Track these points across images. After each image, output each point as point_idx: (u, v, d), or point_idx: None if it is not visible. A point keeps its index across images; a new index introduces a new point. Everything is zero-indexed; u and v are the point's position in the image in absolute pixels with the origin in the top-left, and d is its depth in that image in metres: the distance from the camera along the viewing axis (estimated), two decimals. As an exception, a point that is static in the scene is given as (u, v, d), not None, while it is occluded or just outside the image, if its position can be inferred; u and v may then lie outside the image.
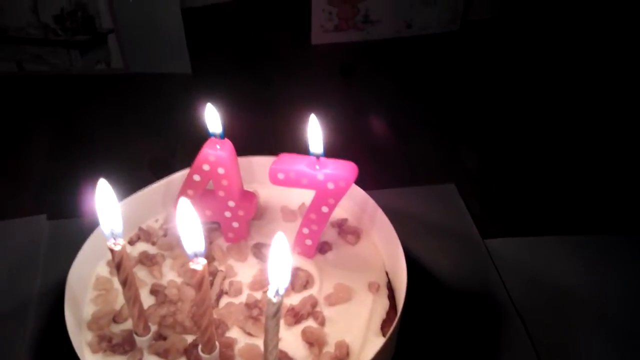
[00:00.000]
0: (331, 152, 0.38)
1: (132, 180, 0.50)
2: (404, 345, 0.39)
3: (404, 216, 0.51)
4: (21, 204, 0.56)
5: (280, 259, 0.28)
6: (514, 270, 0.49)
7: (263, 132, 0.59)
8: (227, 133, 0.39)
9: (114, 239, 0.31)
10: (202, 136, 0.39)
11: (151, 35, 0.68)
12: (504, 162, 0.58)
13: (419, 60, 0.72)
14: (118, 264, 0.31)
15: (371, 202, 0.40)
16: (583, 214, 0.54)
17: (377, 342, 0.34)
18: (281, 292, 0.28)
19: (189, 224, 0.29)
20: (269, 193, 0.43)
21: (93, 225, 0.41)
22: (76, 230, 0.48)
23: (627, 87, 0.66)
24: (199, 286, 0.29)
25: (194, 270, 0.29)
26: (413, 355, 0.40)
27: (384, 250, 0.39)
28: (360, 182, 0.41)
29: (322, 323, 0.35)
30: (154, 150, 0.61)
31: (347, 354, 0.33)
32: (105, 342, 0.34)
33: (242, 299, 0.36)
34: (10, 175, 0.59)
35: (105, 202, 0.31)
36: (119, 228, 0.30)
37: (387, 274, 0.39)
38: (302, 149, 0.37)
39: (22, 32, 0.67)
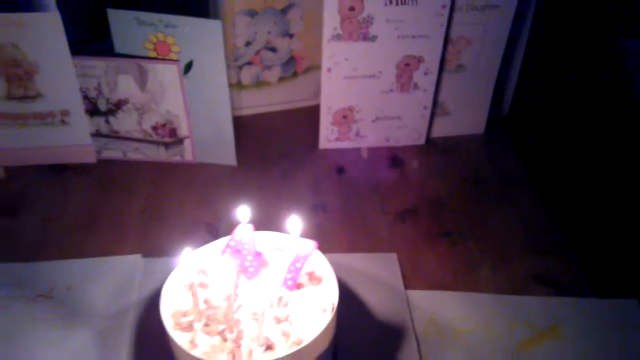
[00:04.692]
0: (317, 221, 0.70)
1: (193, 237, 0.81)
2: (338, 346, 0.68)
3: (355, 271, 0.79)
4: (122, 248, 0.82)
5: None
6: (421, 312, 0.74)
7: (279, 210, 0.85)
8: (254, 211, 0.69)
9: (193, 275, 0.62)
10: (238, 206, 0.67)
11: (211, 138, 0.94)
12: (432, 238, 0.87)
13: (391, 164, 1.00)
14: (191, 286, 0.62)
15: (326, 262, 0.70)
16: (481, 276, 0.80)
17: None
18: (260, 310, 0.58)
19: (223, 276, 0.60)
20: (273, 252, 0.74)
21: (174, 262, 0.67)
22: (162, 265, 0.77)
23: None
24: (227, 301, 0.60)
25: (227, 294, 0.59)
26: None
27: (332, 289, 0.69)
28: (329, 246, 0.71)
29: (291, 325, 0.65)
30: (208, 217, 0.88)
31: (301, 341, 0.63)
32: (179, 326, 0.64)
33: (252, 309, 0.66)
34: (116, 226, 0.86)
35: (190, 258, 0.62)
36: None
37: (333, 304, 0.68)
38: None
39: (128, 134, 0.94)
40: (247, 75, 1.05)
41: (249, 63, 1.04)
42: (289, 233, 0.68)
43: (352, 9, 0.88)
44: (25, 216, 0.88)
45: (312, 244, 0.66)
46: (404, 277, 0.79)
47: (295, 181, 0.95)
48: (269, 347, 0.61)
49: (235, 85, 1.05)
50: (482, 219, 0.89)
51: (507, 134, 1.06)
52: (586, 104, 1.07)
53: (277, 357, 0.59)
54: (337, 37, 0.90)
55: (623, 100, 1.03)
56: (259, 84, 1.07)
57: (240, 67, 1.04)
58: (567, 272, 0.80)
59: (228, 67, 0.91)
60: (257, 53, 1.03)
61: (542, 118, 1.07)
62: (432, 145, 1.03)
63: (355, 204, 0.91)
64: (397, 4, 0.88)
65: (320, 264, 0.70)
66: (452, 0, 0.89)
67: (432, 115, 1.02)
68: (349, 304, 0.75)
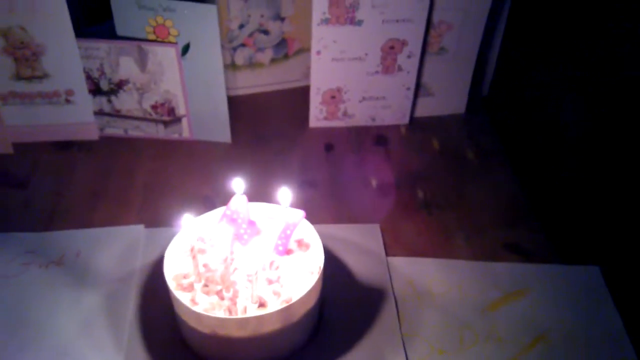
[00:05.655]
0: (307, 196, 0.78)
1: (191, 209, 0.87)
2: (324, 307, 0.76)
3: (341, 240, 0.85)
4: (125, 219, 0.88)
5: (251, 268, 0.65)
6: (400, 276, 0.81)
7: (271, 185, 0.87)
8: (247, 185, 0.76)
9: (193, 241, 0.69)
10: (233, 180, 0.74)
11: (207, 116, 1.00)
12: (412, 210, 0.93)
13: (377, 142, 1.06)
14: (191, 250, 0.69)
15: (313, 230, 0.76)
16: (456, 244, 0.87)
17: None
18: (252, 272, 0.65)
19: (220, 242, 0.67)
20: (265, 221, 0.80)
21: (174, 232, 0.73)
22: (162, 234, 0.82)
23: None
24: (223, 264, 0.67)
25: (223, 258, 0.66)
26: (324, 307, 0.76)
27: (319, 255, 0.76)
28: (317, 218, 0.78)
29: (282, 286, 0.72)
30: (205, 190, 0.93)
31: (290, 299, 0.70)
32: (181, 286, 0.71)
33: (246, 271, 0.73)
34: (119, 199, 0.92)
35: (190, 224, 0.69)
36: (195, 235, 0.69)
37: (320, 267, 0.75)
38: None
39: (129, 112, 1.00)
40: (240, 57, 1.11)
41: (243, 45, 1.09)
42: (279, 204, 0.75)
43: (339, -6, 0.94)
44: (35, 189, 0.94)
45: (300, 213, 0.73)
46: (385, 245, 0.86)
47: (287, 158, 1.01)
48: (261, 305, 0.68)
49: (230, 66, 1.11)
50: (459, 192, 0.95)
51: (487, 113, 1.13)
52: (560, 84, 1.14)
53: (268, 311, 0.66)
54: (326, 21, 0.96)
55: (594, 82, 1.10)
56: (252, 65, 1.12)
57: (235, 49, 1.09)
58: (534, 241, 0.88)
59: (222, 48, 0.96)
60: (250, 35, 1.09)
61: (519, 98, 1.13)
62: (415, 124, 1.10)
63: (341, 179, 0.98)
64: (382, -9, 0.94)
65: (308, 232, 0.77)
66: (433, -14, 0.95)
67: (416, 96, 1.08)
68: (335, 269, 0.82)
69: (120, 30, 0.94)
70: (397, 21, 0.97)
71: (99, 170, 0.98)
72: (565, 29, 1.13)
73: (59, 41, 0.93)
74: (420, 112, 1.11)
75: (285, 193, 0.73)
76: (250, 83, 1.15)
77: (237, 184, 0.74)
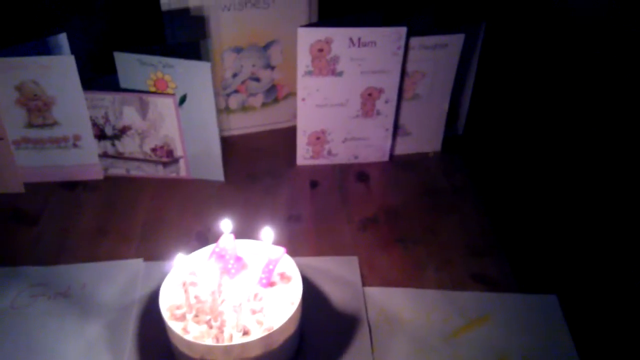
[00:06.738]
0: (292, 229, 0.87)
1: (186, 244, 0.97)
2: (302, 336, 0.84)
3: (321, 272, 0.93)
4: (126, 253, 0.96)
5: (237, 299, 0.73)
6: (374, 305, 0.88)
7: (261, 219, 0.97)
8: (239, 220, 0.85)
9: (185, 276, 0.78)
10: (223, 219, 0.83)
11: (202, 157, 1.08)
12: (388, 243, 1.01)
13: (358, 179, 1.15)
14: (183, 284, 0.78)
15: (293, 264, 0.85)
16: (426, 275, 0.95)
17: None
18: (237, 303, 0.73)
19: (209, 276, 0.76)
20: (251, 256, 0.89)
21: (170, 265, 0.80)
22: (159, 267, 0.91)
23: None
24: (212, 296, 0.76)
25: (212, 291, 0.75)
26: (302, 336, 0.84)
27: (298, 287, 0.84)
28: (301, 251, 0.87)
29: (264, 315, 0.80)
30: (199, 227, 1.01)
31: (272, 328, 0.78)
32: (174, 316, 0.80)
33: (232, 303, 0.82)
34: (121, 235, 0.99)
35: (182, 262, 0.78)
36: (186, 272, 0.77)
37: (300, 298, 0.84)
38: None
39: (131, 154, 1.08)
40: (234, 102, 1.21)
41: (236, 91, 1.19)
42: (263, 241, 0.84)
43: (320, 50, 1.04)
44: (45, 226, 1.03)
45: (281, 249, 0.82)
46: (362, 276, 0.94)
47: (275, 194, 1.10)
48: (245, 333, 0.77)
49: (224, 110, 1.21)
50: (432, 226, 1.04)
51: (461, 151, 1.22)
52: (528, 126, 1.23)
53: (251, 339, 0.75)
54: (309, 73, 1.06)
55: (562, 124, 1.19)
56: (244, 108, 1.22)
57: (229, 95, 1.19)
58: (499, 271, 0.96)
59: (218, 95, 1.07)
60: (242, 83, 1.19)
61: (489, 138, 1.23)
62: (394, 161, 1.18)
63: (325, 214, 1.06)
64: (359, 46, 1.04)
65: (290, 266, 0.85)
66: (406, 41, 1.04)
67: (395, 136, 1.17)
68: (315, 299, 0.90)
69: (123, 84, 1.04)
70: (374, 72, 1.07)
71: (104, 208, 1.06)
72: (536, 72, 1.23)
73: (68, 93, 1.03)
74: (399, 150, 1.20)
75: (267, 232, 0.82)
76: (243, 124, 1.24)
77: (226, 224, 0.84)
